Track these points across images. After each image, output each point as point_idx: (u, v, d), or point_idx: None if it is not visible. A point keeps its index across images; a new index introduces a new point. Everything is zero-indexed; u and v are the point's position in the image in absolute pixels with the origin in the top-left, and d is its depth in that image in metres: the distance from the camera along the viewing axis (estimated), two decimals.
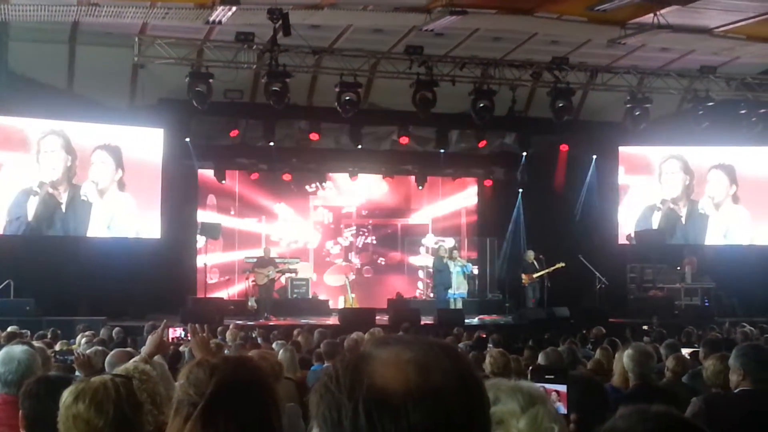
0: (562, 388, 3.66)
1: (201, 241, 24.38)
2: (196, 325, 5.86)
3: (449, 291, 24.27)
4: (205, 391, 2.62)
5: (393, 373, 1.68)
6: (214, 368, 2.66)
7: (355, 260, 27.41)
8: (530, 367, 4.09)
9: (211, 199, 25.73)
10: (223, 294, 24.60)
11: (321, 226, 27.20)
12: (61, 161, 21.88)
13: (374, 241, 27.74)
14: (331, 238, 27.32)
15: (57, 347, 11.55)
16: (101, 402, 3.70)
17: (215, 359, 2.77)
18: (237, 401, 2.70)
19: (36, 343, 9.26)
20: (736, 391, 6.28)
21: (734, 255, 24.94)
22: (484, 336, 15.56)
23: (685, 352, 10.71)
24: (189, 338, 9.42)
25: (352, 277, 26.03)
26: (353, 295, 24.97)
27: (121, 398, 3.74)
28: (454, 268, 24.43)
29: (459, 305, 24.15)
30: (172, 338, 12.25)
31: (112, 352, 7.36)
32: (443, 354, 1.75)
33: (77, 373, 7.19)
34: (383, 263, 27.70)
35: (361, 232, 27.69)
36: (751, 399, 6.14)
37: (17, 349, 5.52)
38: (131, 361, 5.13)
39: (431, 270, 25.28)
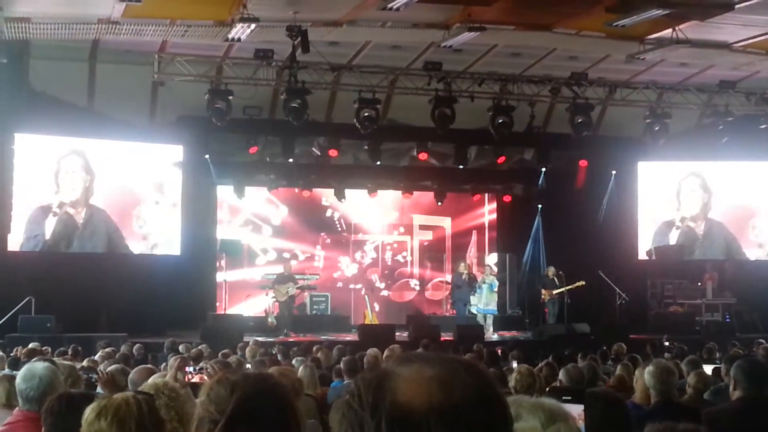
0: (579, 408, 3.66)
1: (221, 257, 24.46)
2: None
3: (479, 306, 24.32)
4: (225, 409, 2.62)
5: (415, 390, 1.69)
6: (235, 385, 2.66)
7: (374, 276, 27.38)
8: (548, 388, 4.09)
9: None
10: (243, 310, 24.59)
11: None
12: (80, 181, 21.98)
13: (393, 257, 27.74)
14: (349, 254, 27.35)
15: (84, 363, 11.57)
16: (123, 419, 3.71)
17: (235, 376, 2.77)
18: (258, 418, 2.69)
19: (64, 361, 9.29)
20: (732, 401, 6.61)
21: (756, 270, 24.80)
22: (500, 351, 15.53)
23: (707, 368, 10.65)
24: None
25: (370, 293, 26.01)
26: (372, 313, 24.95)
27: (143, 415, 3.75)
28: (485, 284, 24.42)
29: (489, 322, 24.18)
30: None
31: (134, 370, 7.38)
32: (465, 371, 1.75)
33: (99, 389, 7.22)
34: (401, 279, 27.66)
35: (378, 248, 27.71)
36: (742, 408, 6.44)
37: (39, 366, 5.54)
38: (158, 377, 5.12)
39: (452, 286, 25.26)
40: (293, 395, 3.21)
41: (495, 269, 25.41)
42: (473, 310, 24.37)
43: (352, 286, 26.82)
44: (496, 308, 24.70)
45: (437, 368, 1.73)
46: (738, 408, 6.51)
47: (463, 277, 24.34)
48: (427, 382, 1.70)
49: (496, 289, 24.68)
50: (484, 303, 24.37)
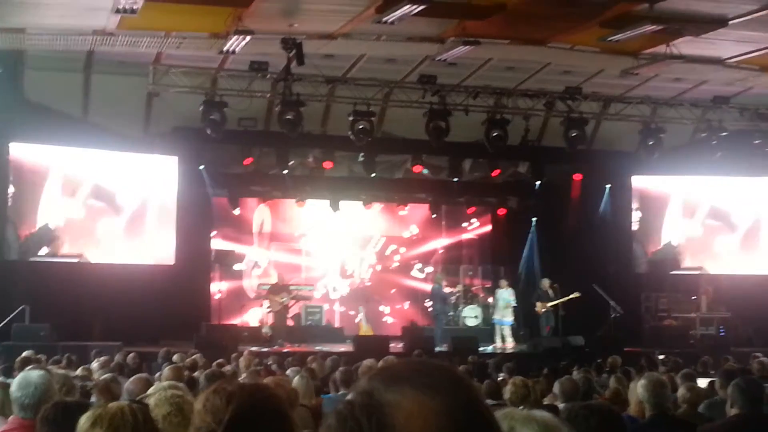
0: None
1: (215, 267, 24.47)
2: None
3: (495, 318, 24.50)
4: (222, 419, 2.62)
5: (421, 425, 1.67)
6: (231, 395, 2.67)
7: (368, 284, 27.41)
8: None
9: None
10: (237, 320, 24.54)
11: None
12: (75, 191, 22.03)
13: (389, 268, 27.76)
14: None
15: (78, 372, 11.55)
16: (118, 428, 3.71)
17: (231, 386, 2.77)
18: (254, 429, 2.70)
19: (60, 370, 9.27)
20: (729, 417, 6.72)
21: (750, 285, 24.84)
22: (486, 363, 15.55)
23: (702, 381, 10.67)
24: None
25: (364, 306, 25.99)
26: (368, 325, 24.94)
27: (138, 424, 3.76)
28: (503, 296, 24.48)
29: (507, 333, 24.27)
30: None
31: (130, 379, 7.37)
32: (458, 390, 1.74)
33: (93, 398, 7.21)
34: (396, 291, 27.66)
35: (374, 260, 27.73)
36: (738, 425, 6.53)
37: (34, 374, 5.54)
38: (166, 387, 5.08)
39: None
40: (288, 405, 3.22)
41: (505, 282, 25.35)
42: (494, 322, 24.60)
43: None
44: (512, 320, 24.68)
45: (433, 395, 1.70)
46: (734, 424, 6.55)
47: (443, 289, 24.49)
48: (434, 416, 1.68)
49: (511, 302, 24.61)
50: (500, 315, 24.52)
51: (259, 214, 26.59)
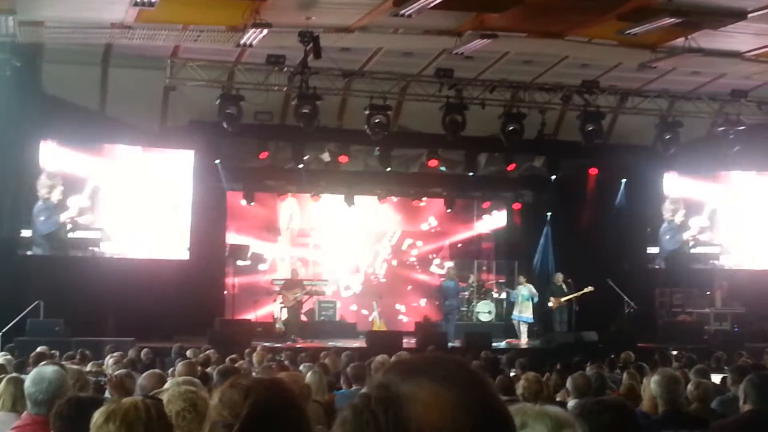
0: None
1: (229, 262, 24.50)
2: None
3: (514, 314, 24.49)
4: (239, 413, 2.63)
5: (438, 417, 1.67)
6: (249, 390, 2.67)
7: (383, 280, 27.38)
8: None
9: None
10: (251, 316, 24.56)
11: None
12: (91, 185, 22.15)
13: (404, 263, 27.75)
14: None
15: (88, 368, 11.58)
16: (132, 423, 3.72)
17: (248, 381, 2.77)
18: (272, 423, 2.70)
19: (72, 365, 9.30)
20: (742, 413, 6.68)
21: (765, 280, 24.73)
22: (499, 358, 15.53)
23: (716, 377, 10.63)
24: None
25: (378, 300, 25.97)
26: (381, 320, 24.93)
27: (152, 419, 3.76)
28: (521, 293, 24.48)
29: (524, 329, 24.25)
30: None
31: (144, 375, 7.38)
32: (473, 384, 1.75)
33: (107, 394, 7.23)
34: (410, 286, 27.65)
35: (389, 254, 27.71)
36: (751, 421, 6.50)
37: (48, 370, 5.56)
38: (180, 382, 5.08)
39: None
40: (303, 401, 3.22)
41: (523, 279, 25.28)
42: (513, 318, 24.63)
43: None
44: (531, 316, 24.61)
45: (449, 388, 1.71)
46: (747, 420, 6.52)
47: (457, 284, 24.48)
48: (450, 408, 1.69)
49: (532, 298, 24.53)
50: (518, 311, 24.52)
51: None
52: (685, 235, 25.95)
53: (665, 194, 26.03)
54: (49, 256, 21.73)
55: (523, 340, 24.05)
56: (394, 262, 27.65)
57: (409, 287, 27.56)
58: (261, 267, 25.99)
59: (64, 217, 21.76)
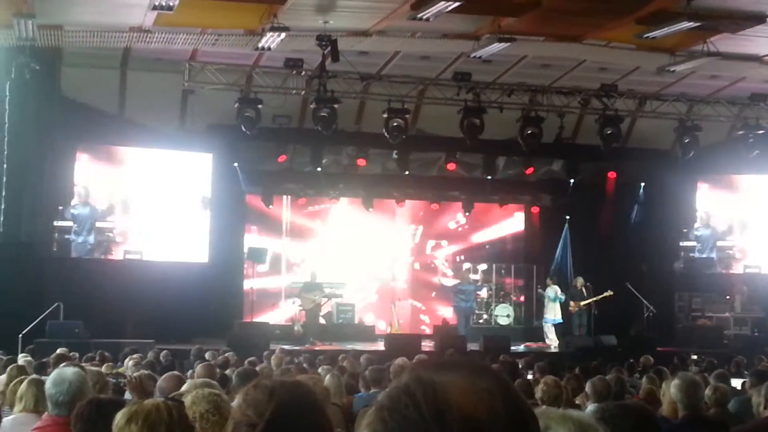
0: None
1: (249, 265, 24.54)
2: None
3: (546, 317, 24.52)
4: (264, 413, 2.63)
5: (477, 401, 1.67)
6: (273, 390, 2.67)
7: (403, 286, 27.35)
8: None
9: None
10: (270, 318, 24.58)
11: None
12: (112, 189, 22.29)
13: (422, 265, 27.74)
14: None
15: (104, 370, 11.61)
16: (154, 424, 3.73)
17: (272, 382, 2.78)
18: (297, 424, 2.71)
19: (92, 367, 9.32)
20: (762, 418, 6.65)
21: None
22: (516, 361, 15.48)
23: (736, 382, 10.59)
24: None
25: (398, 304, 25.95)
26: (400, 321, 24.93)
27: (173, 421, 3.78)
28: (548, 294, 24.47)
29: (550, 332, 24.25)
30: None
31: (163, 377, 7.40)
32: (500, 379, 1.76)
33: (126, 395, 7.25)
34: (428, 289, 27.63)
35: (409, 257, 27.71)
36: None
37: (68, 371, 5.58)
38: (201, 384, 5.09)
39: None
40: (324, 402, 3.22)
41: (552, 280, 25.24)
42: (547, 321, 24.61)
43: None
44: (560, 318, 24.56)
45: (482, 376, 1.73)
46: (767, 425, 6.49)
47: (471, 285, 24.52)
48: (487, 394, 1.69)
49: (559, 300, 24.50)
50: (551, 314, 24.55)
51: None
52: (708, 241, 25.78)
53: (689, 201, 25.92)
54: (69, 258, 21.82)
55: (553, 344, 23.94)
56: (417, 266, 27.65)
57: (428, 290, 27.53)
58: (280, 269, 26.00)
59: (86, 221, 21.84)
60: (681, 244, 25.65)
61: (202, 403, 4.37)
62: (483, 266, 27.44)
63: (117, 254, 22.30)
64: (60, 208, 21.66)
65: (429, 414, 1.66)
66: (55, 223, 21.71)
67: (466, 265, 27.25)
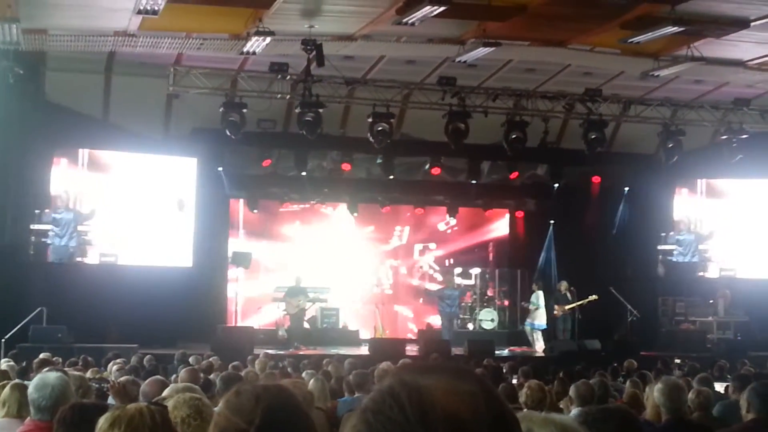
0: None
1: (233, 269, 24.49)
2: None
3: (535, 322, 24.50)
4: (252, 419, 2.61)
5: (459, 403, 1.69)
6: (258, 396, 2.65)
7: (389, 291, 27.36)
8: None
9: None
10: (254, 323, 24.54)
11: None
12: (95, 193, 22.20)
13: (407, 269, 27.76)
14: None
15: (88, 375, 11.58)
16: (137, 429, 3.72)
17: (256, 388, 2.76)
18: (285, 427, 2.70)
19: (75, 372, 9.29)
20: (745, 422, 6.69)
21: None
22: (500, 365, 15.51)
23: (719, 386, 10.61)
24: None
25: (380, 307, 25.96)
26: (384, 328, 24.92)
27: (156, 425, 3.76)
28: (534, 301, 24.55)
29: (538, 337, 24.28)
30: None
31: (146, 381, 7.38)
32: (484, 383, 1.78)
33: (110, 400, 7.23)
34: (413, 293, 27.66)
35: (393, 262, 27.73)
36: (755, 430, 6.52)
37: (51, 376, 5.56)
38: (182, 389, 5.08)
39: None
40: (307, 407, 3.21)
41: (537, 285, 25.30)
42: (534, 326, 24.58)
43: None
44: (544, 323, 24.54)
45: (464, 380, 1.75)
46: (751, 429, 6.51)
47: (455, 291, 24.61)
48: (470, 396, 1.71)
49: (539, 305, 24.53)
50: (531, 318, 24.61)
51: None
52: (690, 245, 25.85)
53: (671, 206, 26.00)
54: (52, 262, 21.73)
55: (539, 348, 23.96)
56: (403, 270, 27.67)
57: (411, 293, 27.57)
58: (264, 274, 25.97)
59: (68, 225, 21.75)
60: (659, 247, 25.66)
61: (183, 407, 4.36)
62: (476, 270, 27.48)
63: (92, 257, 22.11)
64: (37, 211, 21.46)
65: (413, 415, 1.67)
66: (32, 227, 21.50)
67: (458, 270, 27.29)
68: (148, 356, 15.97)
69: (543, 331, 24.45)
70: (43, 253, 21.65)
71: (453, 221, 27.70)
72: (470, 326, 26.18)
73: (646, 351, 21.66)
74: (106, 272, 21.89)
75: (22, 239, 21.44)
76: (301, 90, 20.82)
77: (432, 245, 28.07)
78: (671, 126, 23.88)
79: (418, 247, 28.03)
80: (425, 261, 28.02)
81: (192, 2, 16.49)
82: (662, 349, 22.68)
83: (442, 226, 27.98)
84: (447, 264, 27.87)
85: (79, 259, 22.03)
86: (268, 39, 17.68)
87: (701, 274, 25.72)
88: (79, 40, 18.71)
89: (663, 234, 25.72)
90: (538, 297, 24.48)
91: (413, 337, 24.27)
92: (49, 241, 21.58)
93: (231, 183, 23.99)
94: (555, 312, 24.37)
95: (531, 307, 24.56)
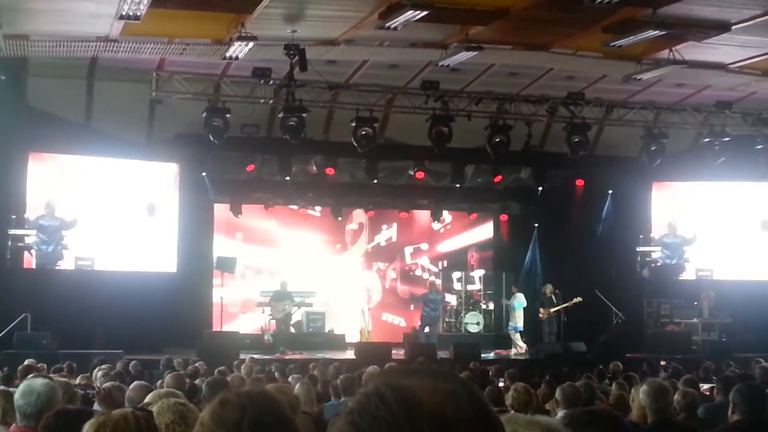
0: None
1: (217, 274, 24.45)
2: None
3: (510, 324, 24.60)
4: (240, 430, 2.57)
5: (444, 402, 1.72)
6: (245, 408, 2.61)
7: (376, 296, 27.35)
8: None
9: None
10: (239, 328, 24.47)
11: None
12: (77, 198, 22.07)
13: (394, 273, 27.77)
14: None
15: (76, 381, 11.54)
16: None
17: (238, 397, 2.71)
18: None
19: (60, 378, 9.26)
20: (730, 423, 6.71)
21: (753, 290, 24.79)
22: (486, 368, 15.53)
23: (704, 387, 10.64)
24: None
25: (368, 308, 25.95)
26: (369, 329, 24.90)
27: (141, 431, 3.76)
28: (513, 303, 24.58)
29: (517, 338, 24.31)
30: None
31: (131, 386, 7.36)
32: (465, 384, 1.80)
33: (95, 406, 7.20)
34: (399, 298, 27.66)
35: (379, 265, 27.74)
36: (739, 430, 6.57)
37: (37, 382, 5.54)
38: (166, 395, 5.07)
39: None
40: (291, 413, 3.20)
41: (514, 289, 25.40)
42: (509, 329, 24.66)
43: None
44: (520, 325, 24.62)
45: (446, 380, 1.78)
46: (736, 430, 6.53)
47: (438, 295, 24.72)
48: (453, 395, 1.74)
49: (520, 308, 24.59)
50: (513, 321, 24.63)
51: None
52: (677, 249, 25.91)
53: (653, 207, 26.07)
54: (36, 269, 21.62)
55: (521, 350, 24.01)
56: (392, 274, 27.69)
57: (397, 297, 27.57)
58: (249, 279, 25.93)
59: (55, 232, 21.64)
60: (638, 249, 25.69)
61: (167, 413, 4.34)
62: (460, 273, 27.53)
63: (68, 261, 21.94)
64: (13, 216, 21.30)
65: (399, 412, 1.70)
66: (10, 231, 21.30)
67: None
68: (133, 362, 15.90)
69: (522, 333, 24.52)
70: (19, 258, 21.44)
71: (423, 234, 27.79)
72: (453, 329, 26.23)
73: (632, 353, 21.71)
74: (90, 278, 21.73)
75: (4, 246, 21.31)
76: (285, 95, 20.83)
77: (422, 246, 28.06)
78: (654, 129, 23.97)
79: (409, 249, 28.01)
80: (412, 264, 28.01)
81: (174, 8, 16.45)
82: (648, 351, 22.75)
83: (413, 238, 28.00)
84: (443, 265, 27.93)
85: (58, 264, 21.90)
86: (251, 44, 17.69)
87: (681, 277, 25.79)
88: (61, 46, 18.67)
89: (641, 236, 25.73)
90: (519, 300, 24.54)
91: (399, 341, 24.27)
92: (34, 248, 21.41)
93: (215, 188, 23.96)
94: (540, 315, 24.43)
95: (510, 310, 24.63)
